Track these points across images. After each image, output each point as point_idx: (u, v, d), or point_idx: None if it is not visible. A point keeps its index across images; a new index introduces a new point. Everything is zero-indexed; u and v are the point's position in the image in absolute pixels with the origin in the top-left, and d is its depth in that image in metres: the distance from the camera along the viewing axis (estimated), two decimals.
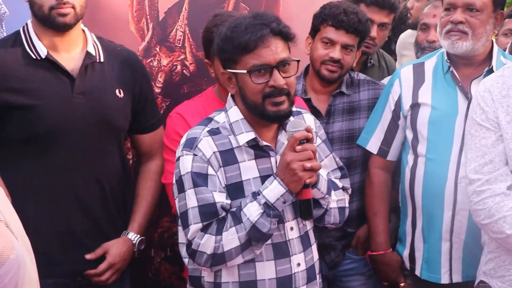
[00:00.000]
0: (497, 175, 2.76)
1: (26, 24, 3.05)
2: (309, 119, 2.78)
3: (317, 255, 2.80)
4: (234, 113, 2.61)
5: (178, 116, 3.15)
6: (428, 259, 3.25)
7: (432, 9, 3.82)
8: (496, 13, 3.14)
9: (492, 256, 2.88)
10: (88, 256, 3.07)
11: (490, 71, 3.10)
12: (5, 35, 3.27)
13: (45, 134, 2.95)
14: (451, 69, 3.18)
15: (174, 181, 2.61)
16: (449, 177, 3.12)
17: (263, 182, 2.57)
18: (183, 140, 2.60)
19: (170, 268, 3.71)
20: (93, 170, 3.07)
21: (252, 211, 2.48)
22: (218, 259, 2.51)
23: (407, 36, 5.11)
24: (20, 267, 1.86)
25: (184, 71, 3.59)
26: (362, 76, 3.58)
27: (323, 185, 2.62)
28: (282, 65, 2.50)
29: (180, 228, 2.72)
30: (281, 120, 2.58)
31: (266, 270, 2.60)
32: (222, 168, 2.55)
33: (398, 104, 3.29)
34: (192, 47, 3.58)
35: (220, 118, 2.63)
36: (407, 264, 3.35)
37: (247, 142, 2.57)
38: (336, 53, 3.30)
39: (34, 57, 2.97)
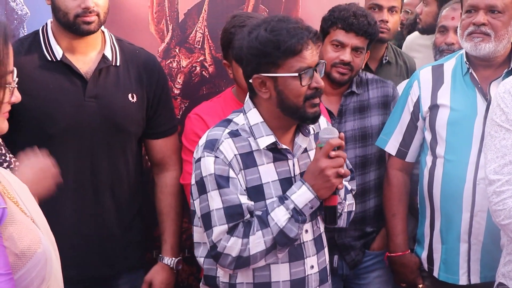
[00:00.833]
0: None
1: (46, 24, 3.07)
2: (323, 122, 2.80)
3: (328, 257, 2.82)
4: (254, 115, 2.61)
5: (196, 117, 3.16)
6: (446, 260, 3.24)
7: (450, 12, 3.82)
8: None
9: (511, 257, 2.88)
10: None
11: (510, 72, 3.11)
12: None
13: (55, 136, 2.96)
14: (470, 71, 3.18)
15: (193, 182, 2.61)
16: (468, 179, 3.12)
17: (281, 185, 2.59)
18: (202, 141, 2.60)
19: (188, 269, 3.72)
20: (103, 174, 3.07)
21: (280, 215, 2.50)
22: (242, 262, 2.53)
23: (414, 38, 5.13)
24: (47, 261, 1.89)
25: (203, 72, 3.61)
26: (369, 75, 3.62)
27: (342, 190, 2.65)
28: (319, 67, 2.54)
29: (195, 228, 2.72)
30: (317, 121, 2.62)
31: (281, 273, 2.61)
32: (242, 171, 2.55)
33: (417, 105, 3.30)
34: (212, 48, 3.59)
35: (239, 120, 2.63)
36: (425, 266, 3.35)
37: (266, 146, 2.58)
38: (346, 55, 3.32)
39: (50, 59, 2.99)
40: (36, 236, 1.88)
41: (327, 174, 2.49)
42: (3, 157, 2.69)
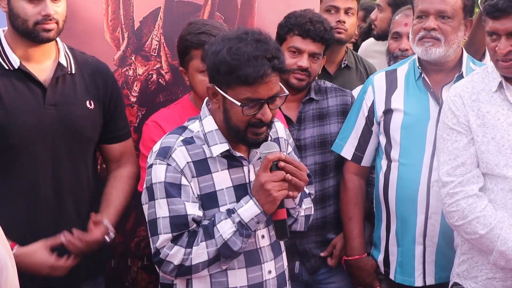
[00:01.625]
0: (469, 177, 2.82)
1: None
2: (280, 127, 2.81)
3: (287, 262, 2.82)
4: (209, 123, 2.61)
5: (154, 124, 3.16)
6: (402, 263, 3.28)
7: (403, 18, 3.88)
8: (466, 20, 3.21)
9: (465, 257, 2.93)
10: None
11: (460, 77, 3.17)
12: None
13: (16, 144, 2.93)
14: (422, 76, 3.23)
15: (144, 187, 2.62)
16: (422, 181, 3.16)
17: (236, 192, 2.59)
18: (156, 148, 2.60)
19: (147, 277, 3.71)
20: (65, 180, 3.06)
21: (225, 228, 2.51)
22: (184, 270, 2.54)
23: (369, 44, 5.20)
24: (3, 270, 1.86)
25: (160, 80, 3.60)
26: (328, 84, 3.64)
27: (298, 197, 2.66)
28: (272, 100, 2.51)
29: None
30: (258, 146, 2.59)
31: (238, 278, 2.62)
32: (195, 178, 2.56)
33: (372, 110, 3.34)
34: (168, 56, 3.59)
35: (194, 127, 2.63)
36: (382, 268, 3.39)
37: (220, 153, 2.59)
38: (304, 62, 3.35)
39: (7, 67, 2.97)
40: None
41: (268, 188, 2.48)
42: None
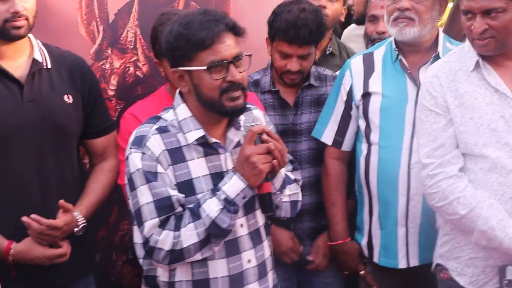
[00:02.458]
0: (449, 158, 2.82)
1: None
2: (259, 115, 2.79)
3: (269, 251, 2.80)
4: (183, 110, 2.61)
5: (131, 117, 3.15)
6: (385, 246, 3.29)
7: (379, 1, 3.86)
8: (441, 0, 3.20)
9: (447, 238, 2.94)
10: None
11: (437, 57, 3.16)
12: None
13: None
14: (399, 57, 3.23)
15: (126, 181, 2.61)
16: (402, 164, 3.16)
17: (213, 180, 2.57)
18: (131, 139, 2.60)
19: (132, 271, 3.69)
20: (51, 177, 3.04)
21: (212, 207, 2.48)
22: (176, 255, 2.51)
23: (351, 29, 5.21)
24: None
25: (137, 72, 3.58)
26: (328, 72, 3.62)
27: (278, 181, 2.65)
28: (236, 60, 2.52)
29: (135, 228, 2.69)
30: (238, 114, 2.59)
31: (219, 269, 2.60)
32: (171, 166, 2.54)
33: (350, 94, 3.34)
34: (144, 48, 3.57)
35: (168, 116, 2.63)
36: (366, 252, 3.39)
37: (196, 140, 2.57)
38: (293, 65, 3.33)
39: None
40: None
41: (253, 161, 2.48)
42: None
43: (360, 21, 4.93)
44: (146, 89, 3.58)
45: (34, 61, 3.02)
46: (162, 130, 2.57)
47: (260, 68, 3.55)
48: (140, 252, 2.72)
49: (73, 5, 3.44)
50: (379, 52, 3.34)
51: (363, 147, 3.32)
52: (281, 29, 3.29)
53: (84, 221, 3.06)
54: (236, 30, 2.54)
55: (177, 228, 2.49)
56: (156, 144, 2.53)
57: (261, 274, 2.70)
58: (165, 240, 2.49)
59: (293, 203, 2.84)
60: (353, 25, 5.26)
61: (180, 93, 2.65)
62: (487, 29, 2.69)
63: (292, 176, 2.86)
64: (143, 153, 2.52)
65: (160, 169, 2.51)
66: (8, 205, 2.95)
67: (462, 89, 2.81)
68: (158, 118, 2.63)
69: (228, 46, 2.49)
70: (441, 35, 3.27)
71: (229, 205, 2.49)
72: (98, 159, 3.25)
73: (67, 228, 2.98)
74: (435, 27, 3.21)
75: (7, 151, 2.93)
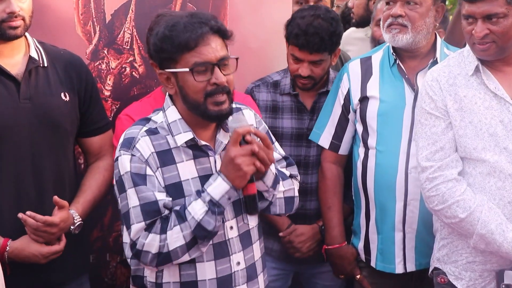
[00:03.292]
0: (448, 162, 2.83)
1: None
2: (248, 115, 2.78)
3: (259, 254, 2.78)
4: (172, 113, 2.60)
5: (127, 118, 3.14)
6: (382, 250, 3.29)
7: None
8: (437, 5, 3.22)
9: (445, 242, 2.94)
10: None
11: (435, 62, 3.17)
12: None
13: None
14: (397, 62, 3.23)
15: (114, 182, 2.60)
16: (400, 168, 3.17)
17: (202, 182, 2.55)
18: (121, 140, 2.59)
19: (126, 272, 3.67)
20: (46, 175, 3.02)
21: (196, 209, 2.46)
22: (163, 258, 2.50)
23: (350, 32, 5.20)
24: None
25: (134, 73, 3.57)
26: None
27: (269, 179, 2.62)
28: (222, 63, 2.50)
29: (124, 228, 2.68)
30: (222, 119, 2.57)
31: (207, 271, 2.59)
32: (160, 168, 2.53)
33: (348, 98, 3.34)
34: (141, 48, 3.55)
35: (158, 118, 2.62)
36: (363, 256, 3.39)
37: (185, 142, 2.56)
38: (303, 70, 3.35)
39: None
40: None
41: (237, 163, 2.44)
42: None
43: (360, 24, 4.93)
44: (142, 90, 3.57)
45: (31, 58, 3.01)
46: (152, 132, 2.56)
47: (256, 70, 3.55)
48: (128, 252, 2.71)
49: (70, 4, 3.42)
50: (377, 56, 3.35)
51: (360, 151, 3.32)
52: (293, 34, 3.32)
53: (80, 219, 3.04)
54: (223, 33, 2.53)
55: (163, 231, 2.48)
56: (145, 146, 2.52)
57: (251, 276, 2.69)
58: (151, 243, 2.48)
59: (288, 199, 2.80)
60: (352, 28, 5.26)
61: (170, 95, 2.64)
62: (488, 34, 2.70)
63: (287, 172, 2.83)
64: (132, 155, 2.51)
65: (149, 171, 2.51)
66: (4, 203, 2.94)
67: (461, 93, 2.82)
68: (148, 120, 2.63)
69: (213, 48, 2.48)
70: (439, 41, 3.28)
71: (214, 207, 2.46)
72: (93, 158, 3.24)
73: (63, 225, 2.96)
74: (431, 33, 3.22)
75: (3, 148, 2.92)
